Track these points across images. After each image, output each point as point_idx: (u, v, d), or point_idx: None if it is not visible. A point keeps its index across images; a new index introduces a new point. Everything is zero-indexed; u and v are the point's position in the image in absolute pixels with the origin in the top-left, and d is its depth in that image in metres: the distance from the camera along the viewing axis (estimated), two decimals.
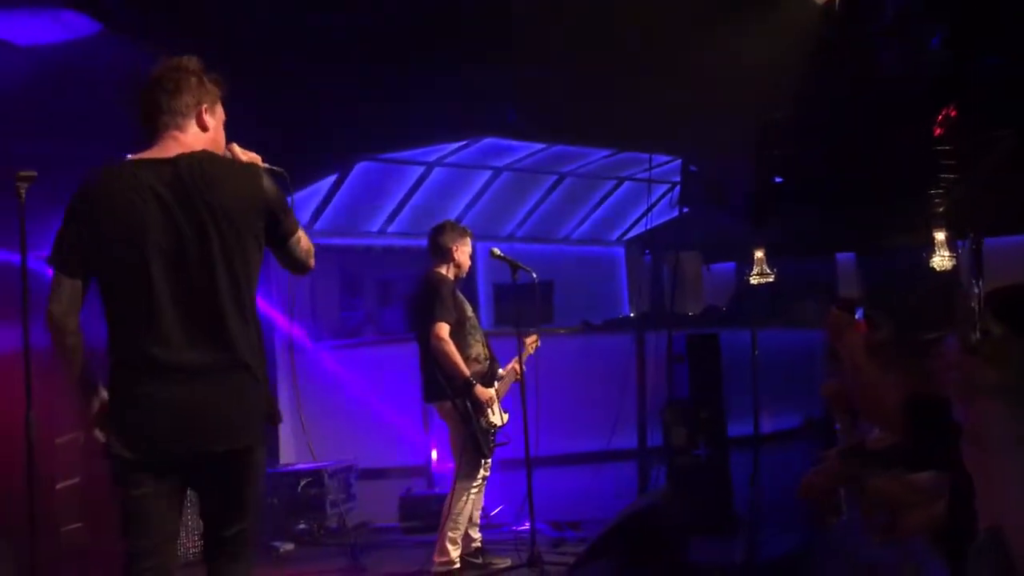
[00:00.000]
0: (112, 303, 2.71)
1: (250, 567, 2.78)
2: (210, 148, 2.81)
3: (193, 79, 2.82)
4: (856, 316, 3.01)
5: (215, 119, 2.87)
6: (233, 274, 2.65)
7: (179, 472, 2.69)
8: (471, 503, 5.20)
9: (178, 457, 2.65)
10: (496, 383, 5.35)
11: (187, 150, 2.73)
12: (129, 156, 2.75)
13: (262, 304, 9.01)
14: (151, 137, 2.78)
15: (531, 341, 5.63)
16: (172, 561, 2.75)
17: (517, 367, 5.49)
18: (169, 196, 2.63)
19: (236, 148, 2.93)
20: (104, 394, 2.73)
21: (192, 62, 2.85)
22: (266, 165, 2.95)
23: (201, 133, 2.82)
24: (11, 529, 5.34)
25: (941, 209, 11.63)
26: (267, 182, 2.81)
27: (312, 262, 2.96)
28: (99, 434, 2.73)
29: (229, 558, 2.74)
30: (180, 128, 2.78)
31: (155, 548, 2.68)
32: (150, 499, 2.64)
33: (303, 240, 2.90)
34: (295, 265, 2.93)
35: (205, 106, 2.83)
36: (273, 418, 2.88)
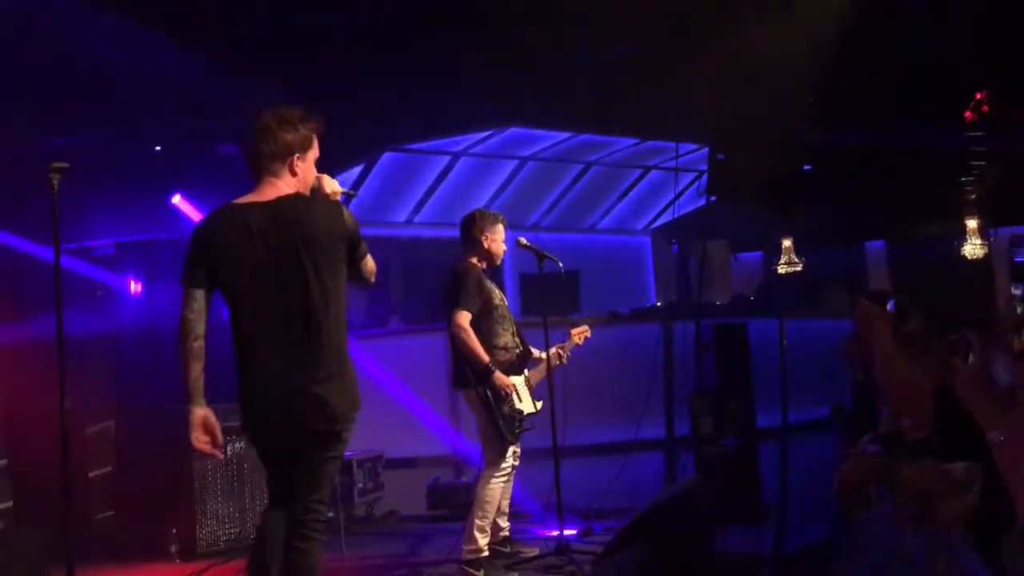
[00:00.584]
0: (234, 316, 3.43)
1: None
2: (300, 189, 3.45)
3: (290, 130, 3.42)
4: (887, 307, 2.96)
5: (305, 163, 3.47)
6: (325, 291, 3.33)
7: (286, 454, 3.40)
8: (500, 492, 5.21)
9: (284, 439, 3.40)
10: (527, 371, 5.34)
11: (282, 193, 3.38)
12: (235, 200, 3.40)
13: None
14: (255, 177, 3.44)
15: (580, 331, 5.61)
16: None
17: (560, 353, 5.49)
18: (270, 233, 3.30)
19: (324, 179, 3.54)
20: (204, 408, 3.51)
21: (291, 113, 3.44)
22: (343, 189, 3.64)
23: (291, 178, 3.43)
24: (46, 517, 5.42)
25: (973, 196, 11.50)
26: (347, 215, 3.44)
27: (374, 279, 3.61)
28: (200, 438, 3.46)
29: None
30: (276, 174, 3.41)
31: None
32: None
33: (369, 261, 3.54)
34: (363, 281, 3.57)
35: (297, 155, 3.43)
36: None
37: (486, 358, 5.04)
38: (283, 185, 3.41)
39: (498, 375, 5.05)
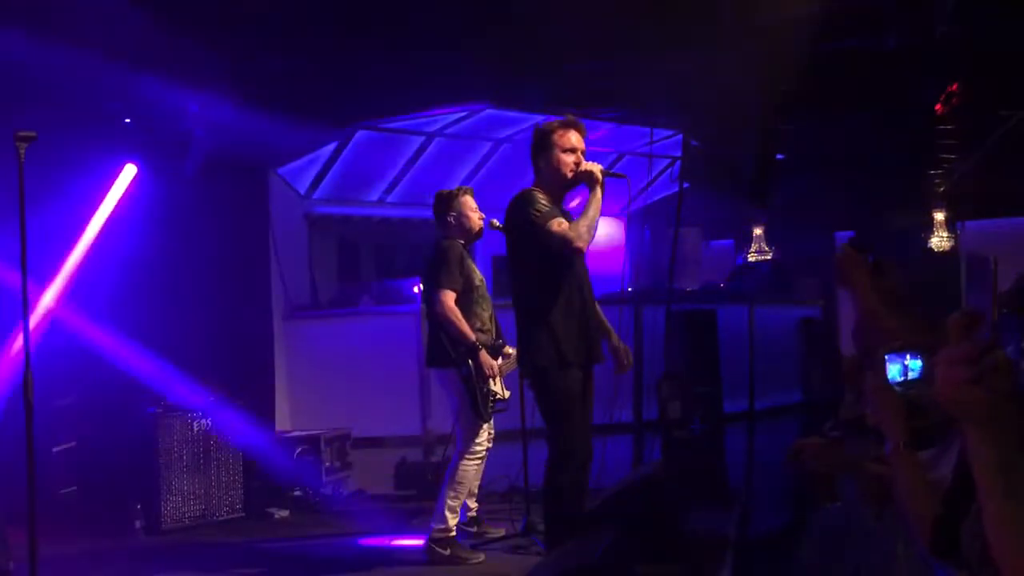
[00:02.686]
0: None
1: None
2: (541, 184, 4.48)
3: (537, 138, 4.50)
4: (867, 259, 2.90)
5: (544, 161, 4.47)
6: (516, 279, 4.46)
7: None
8: (474, 473, 5.22)
9: None
10: (500, 359, 5.35)
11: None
12: None
13: (259, 274, 8.94)
14: None
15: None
16: None
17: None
18: None
19: (585, 165, 4.42)
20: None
21: (544, 126, 4.49)
22: (608, 172, 4.49)
23: (538, 176, 4.50)
24: (7, 491, 5.36)
25: (941, 189, 11.62)
26: (512, 209, 4.44)
27: (575, 245, 4.26)
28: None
29: None
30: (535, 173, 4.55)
31: None
32: None
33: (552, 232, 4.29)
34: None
35: (540, 158, 4.46)
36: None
37: (473, 336, 5.05)
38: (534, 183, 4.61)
39: (484, 354, 5.06)
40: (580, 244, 4.26)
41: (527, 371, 4.51)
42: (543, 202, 4.34)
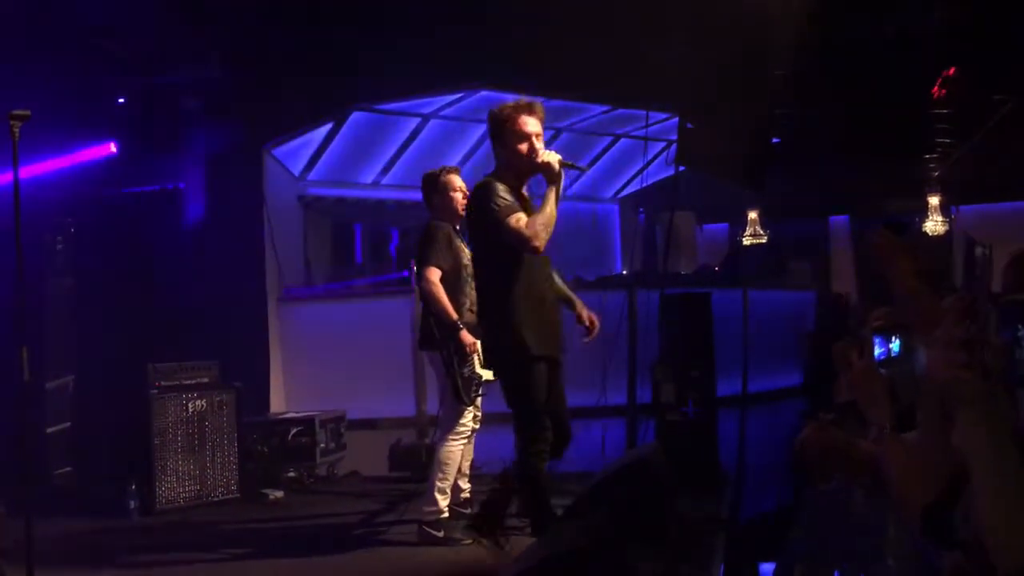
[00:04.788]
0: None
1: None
2: (501, 170, 4.34)
3: (494, 124, 4.35)
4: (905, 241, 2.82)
5: (502, 147, 4.34)
6: (479, 268, 4.48)
7: None
8: (459, 453, 5.23)
9: None
10: None
11: None
12: None
13: (253, 255, 8.91)
14: None
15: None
16: None
17: None
18: None
19: (543, 156, 4.26)
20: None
21: (500, 111, 4.32)
22: (567, 163, 4.33)
23: (498, 163, 4.37)
24: (2, 472, 5.37)
25: (936, 173, 11.63)
26: (473, 199, 4.36)
27: (537, 245, 4.17)
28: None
29: None
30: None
31: None
32: None
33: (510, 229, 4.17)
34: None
35: (498, 144, 4.34)
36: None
37: (454, 315, 5.04)
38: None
39: (464, 334, 5.04)
40: (537, 244, 4.17)
41: (491, 361, 4.52)
42: (502, 194, 4.24)
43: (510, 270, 4.28)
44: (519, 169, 4.35)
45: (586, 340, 4.81)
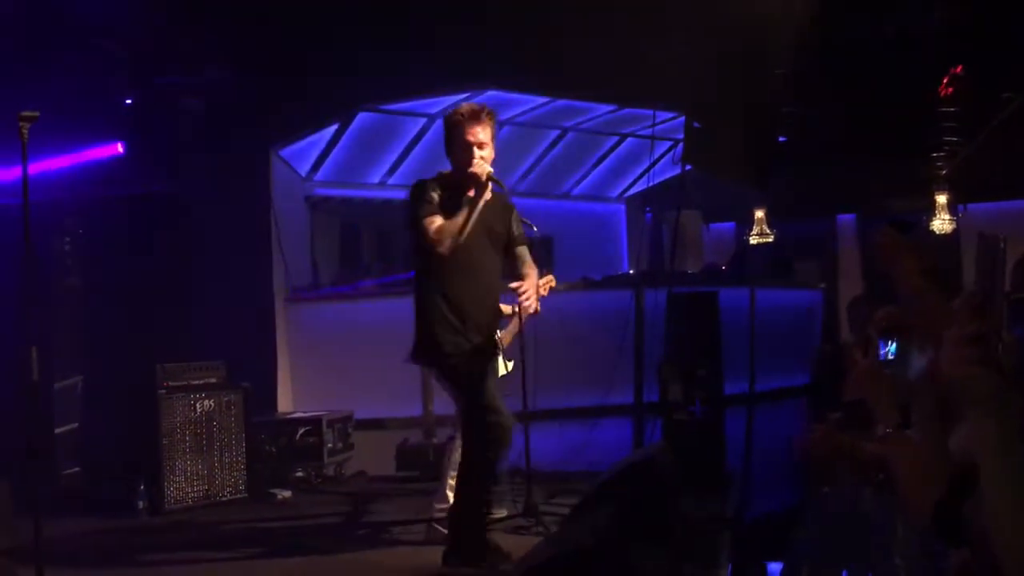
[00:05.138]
0: None
1: None
2: (451, 172, 4.45)
3: (445, 127, 4.51)
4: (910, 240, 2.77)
5: (449, 151, 4.44)
6: (413, 265, 4.62)
7: None
8: None
9: None
10: (499, 331, 5.35)
11: None
12: None
13: (261, 256, 8.90)
14: None
15: (545, 282, 5.59)
16: None
17: (523, 309, 5.48)
18: None
19: (474, 168, 4.30)
20: None
21: (451, 115, 4.47)
22: (496, 179, 4.41)
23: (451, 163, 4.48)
24: (10, 473, 5.39)
25: (944, 172, 11.59)
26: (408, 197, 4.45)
27: (438, 246, 4.28)
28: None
29: None
30: None
31: None
32: None
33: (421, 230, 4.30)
34: None
35: (447, 146, 4.46)
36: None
37: None
38: None
39: None
40: (441, 249, 4.28)
41: (423, 357, 4.58)
42: (429, 193, 4.35)
43: (428, 268, 4.42)
44: (460, 174, 4.42)
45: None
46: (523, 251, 4.71)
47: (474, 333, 4.45)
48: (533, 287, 4.57)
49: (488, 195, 4.41)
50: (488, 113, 4.42)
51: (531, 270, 4.64)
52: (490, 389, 4.42)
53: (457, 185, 4.42)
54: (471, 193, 4.36)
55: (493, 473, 4.46)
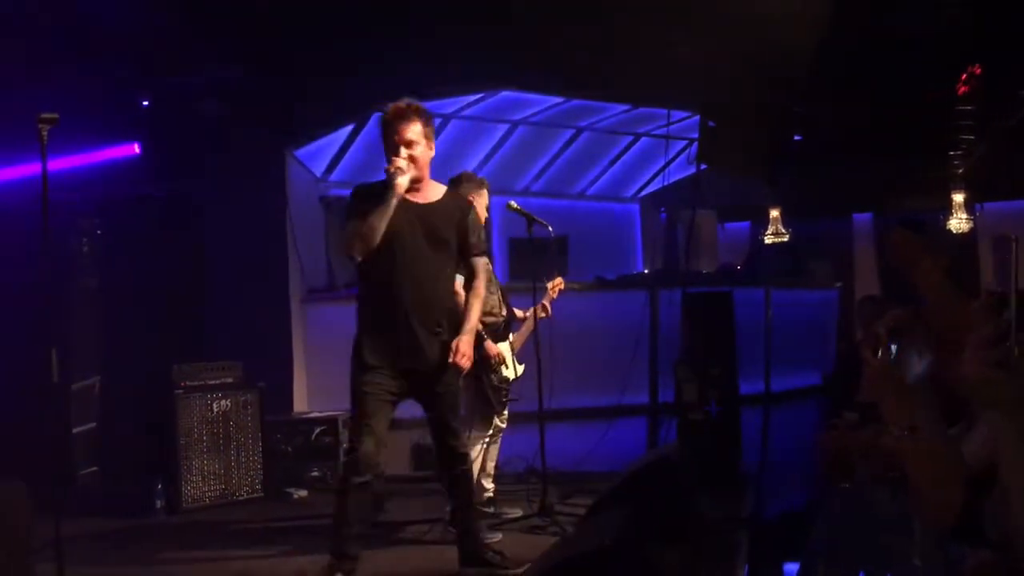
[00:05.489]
0: None
1: None
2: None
3: (381, 125, 4.26)
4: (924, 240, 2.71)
5: (385, 149, 4.22)
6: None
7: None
8: (485, 453, 5.25)
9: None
10: (512, 334, 5.36)
11: None
12: None
13: (276, 256, 8.93)
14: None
15: (554, 284, 5.60)
16: None
17: (539, 312, 5.49)
18: None
19: (392, 165, 4.13)
20: None
21: (385, 114, 4.20)
22: (408, 183, 4.19)
23: None
24: (28, 473, 5.43)
25: (960, 171, 11.53)
26: None
27: (347, 251, 4.29)
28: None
29: None
30: None
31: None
32: None
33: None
34: None
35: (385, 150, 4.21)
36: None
37: (479, 326, 5.05)
38: None
39: (488, 344, 5.06)
40: (349, 251, 4.19)
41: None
42: (359, 196, 4.19)
43: (364, 277, 4.35)
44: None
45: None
46: (478, 263, 4.37)
47: (384, 352, 4.30)
48: (473, 318, 4.28)
49: (438, 196, 4.25)
50: (416, 110, 4.18)
51: (475, 295, 4.29)
52: (374, 413, 4.33)
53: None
54: (409, 196, 4.16)
55: (350, 490, 4.25)
